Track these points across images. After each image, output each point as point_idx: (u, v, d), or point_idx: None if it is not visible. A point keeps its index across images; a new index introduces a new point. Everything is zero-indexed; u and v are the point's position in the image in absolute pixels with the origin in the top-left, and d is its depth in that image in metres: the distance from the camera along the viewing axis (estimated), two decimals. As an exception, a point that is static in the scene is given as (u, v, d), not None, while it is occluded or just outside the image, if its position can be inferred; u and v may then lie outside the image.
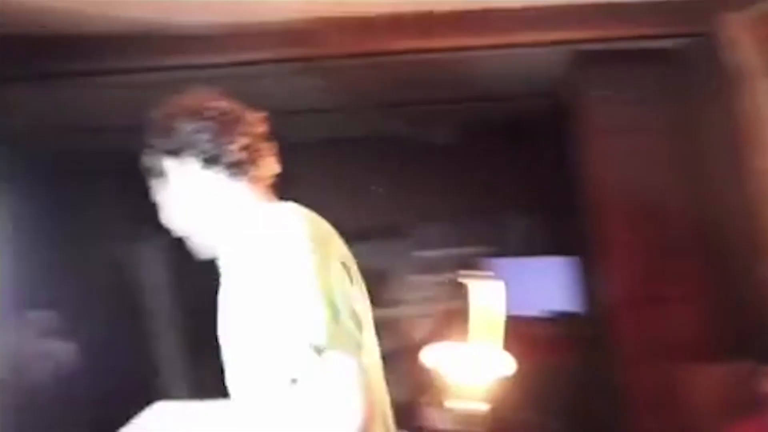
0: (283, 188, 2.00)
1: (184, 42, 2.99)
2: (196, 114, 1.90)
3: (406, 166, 6.38)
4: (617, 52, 3.71)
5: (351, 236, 1.98)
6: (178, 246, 2.06)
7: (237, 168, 1.93)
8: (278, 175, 2.03)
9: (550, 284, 5.51)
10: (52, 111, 4.05)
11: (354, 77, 3.94)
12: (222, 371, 1.76)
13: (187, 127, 1.89)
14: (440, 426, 3.76)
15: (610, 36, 3.35)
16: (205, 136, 1.89)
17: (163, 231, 2.03)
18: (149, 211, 2.04)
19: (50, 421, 4.14)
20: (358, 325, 1.71)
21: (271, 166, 2.04)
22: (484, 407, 2.01)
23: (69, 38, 2.91)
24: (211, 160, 1.90)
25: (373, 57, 3.26)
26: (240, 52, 3.04)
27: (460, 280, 2.02)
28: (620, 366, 3.97)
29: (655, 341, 3.95)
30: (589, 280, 5.20)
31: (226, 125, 1.91)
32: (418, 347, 5.36)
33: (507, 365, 1.96)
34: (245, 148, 1.93)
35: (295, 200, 1.87)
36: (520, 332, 5.11)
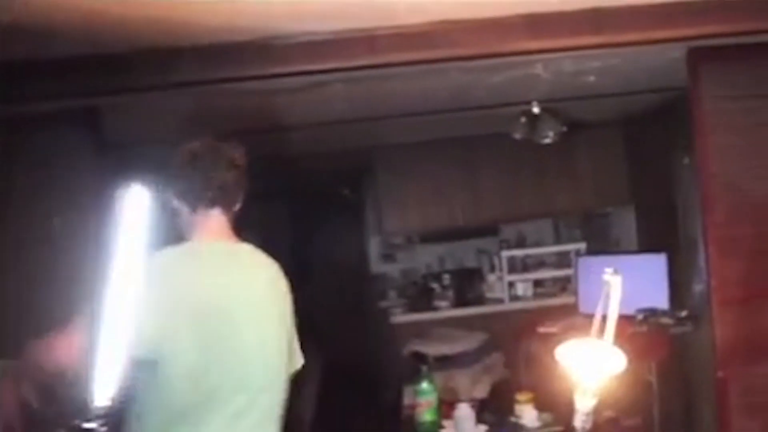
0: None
1: (312, 48, 3.09)
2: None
3: (509, 162, 6.43)
4: (732, 48, 3.68)
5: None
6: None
7: None
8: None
9: (646, 281, 5.45)
10: (171, 118, 4.22)
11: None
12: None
13: None
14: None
15: (725, 31, 3.32)
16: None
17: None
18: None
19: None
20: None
21: None
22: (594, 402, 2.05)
23: (182, 50, 3.06)
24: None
25: (501, 57, 3.35)
26: (371, 56, 3.11)
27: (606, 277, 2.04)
28: (719, 365, 3.92)
29: (755, 340, 3.89)
30: (686, 277, 5.14)
31: None
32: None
33: (620, 361, 2.00)
34: None
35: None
36: (617, 331, 5.16)
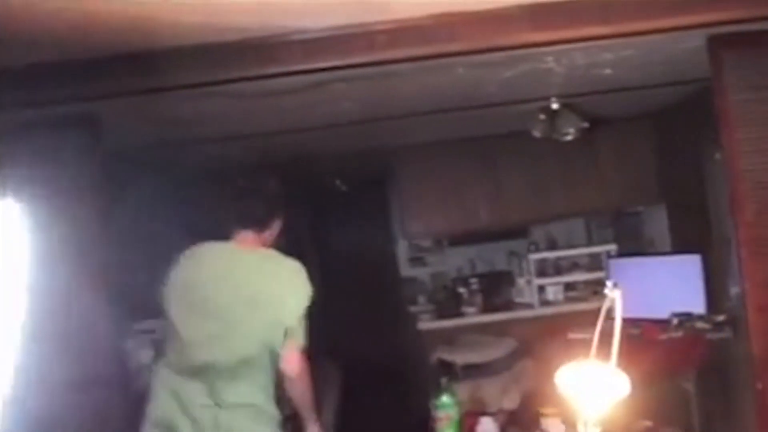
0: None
1: (309, 46, 2.99)
2: None
3: (533, 161, 6.29)
4: (757, 33, 3.45)
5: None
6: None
7: None
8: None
9: (681, 283, 5.23)
10: (165, 123, 4.14)
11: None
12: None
13: None
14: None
15: (747, 16, 3.10)
16: None
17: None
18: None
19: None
20: None
21: None
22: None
23: (174, 51, 2.96)
24: None
25: (504, 51, 3.23)
26: (370, 53, 3.01)
27: (608, 291, 1.83)
28: (758, 375, 3.68)
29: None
30: (722, 278, 4.91)
31: None
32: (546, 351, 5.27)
33: (624, 386, 1.78)
34: None
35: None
36: (647, 336, 4.96)
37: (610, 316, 1.88)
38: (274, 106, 3.99)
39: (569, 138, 4.90)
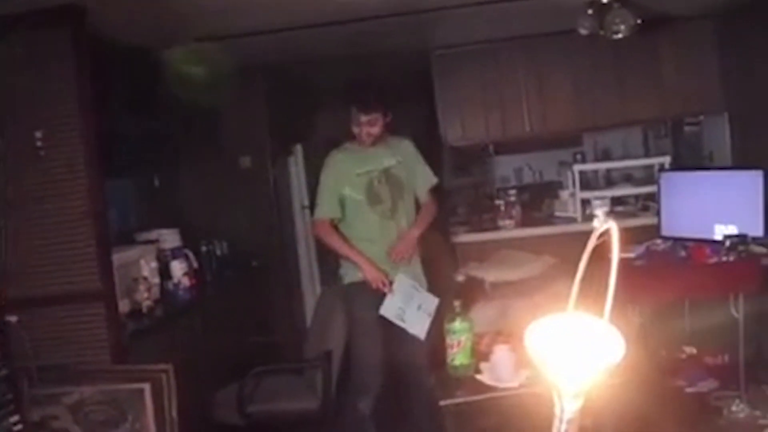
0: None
1: None
2: None
3: (583, 64, 5.88)
4: None
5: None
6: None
7: None
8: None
9: (738, 202, 4.74)
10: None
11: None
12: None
13: None
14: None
15: None
16: None
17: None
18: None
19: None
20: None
21: None
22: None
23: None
24: None
25: None
26: None
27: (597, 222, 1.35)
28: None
29: None
30: None
31: None
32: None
33: (618, 348, 1.33)
34: None
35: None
36: (695, 259, 4.53)
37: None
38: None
39: (620, 36, 4.40)
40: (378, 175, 4.07)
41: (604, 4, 4.31)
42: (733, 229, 4.63)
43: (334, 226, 4.12)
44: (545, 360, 1.39)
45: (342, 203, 4.09)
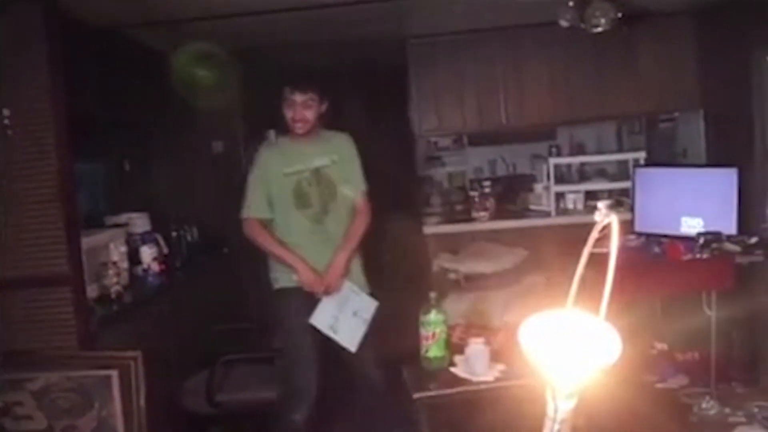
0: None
1: None
2: None
3: (561, 58, 5.86)
4: None
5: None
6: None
7: None
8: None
9: (712, 200, 4.77)
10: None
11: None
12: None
13: None
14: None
15: None
16: None
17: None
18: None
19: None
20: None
21: None
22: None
23: None
24: None
25: None
26: None
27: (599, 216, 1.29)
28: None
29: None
30: (759, 197, 4.61)
31: None
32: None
33: (615, 347, 1.27)
34: None
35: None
36: (669, 256, 4.54)
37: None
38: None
39: (600, 29, 4.38)
40: (308, 176, 3.78)
41: (584, -3, 4.28)
42: (706, 227, 4.66)
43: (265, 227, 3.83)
44: (540, 357, 1.34)
45: (270, 203, 3.81)
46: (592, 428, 2.08)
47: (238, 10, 4.47)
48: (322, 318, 3.73)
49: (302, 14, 4.68)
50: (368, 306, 3.86)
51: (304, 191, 3.78)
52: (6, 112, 3.38)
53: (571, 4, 4.33)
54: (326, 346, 3.76)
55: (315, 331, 3.72)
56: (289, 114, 3.71)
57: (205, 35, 5.05)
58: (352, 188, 3.90)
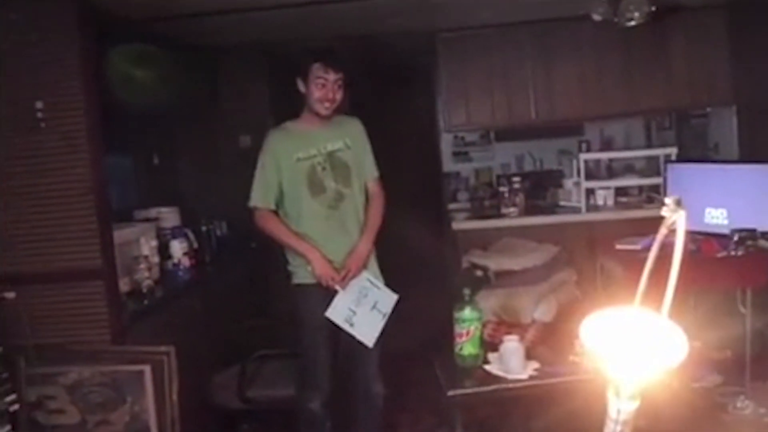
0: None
1: None
2: None
3: (591, 52, 5.80)
4: None
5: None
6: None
7: None
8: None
9: (746, 196, 4.69)
10: None
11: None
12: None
13: None
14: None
15: None
16: None
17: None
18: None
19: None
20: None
21: None
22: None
23: None
24: None
25: None
26: None
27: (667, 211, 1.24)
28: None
29: None
30: None
31: None
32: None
33: (681, 347, 1.23)
34: None
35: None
36: (704, 252, 4.47)
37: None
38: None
39: (633, 23, 4.34)
40: (321, 161, 3.60)
41: (619, -10, 4.23)
42: (731, 219, 4.59)
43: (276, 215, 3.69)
44: (605, 356, 1.31)
45: (281, 191, 3.63)
46: (653, 430, 2.04)
47: (265, 4, 4.43)
48: (338, 311, 3.59)
49: (328, 8, 4.65)
50: (388, 299, 3.71)
51: (318, 177, 3.59)
52: (39, 104, 3.37)
53: (604, -3, 4.28)
54: (338, 347, 3.67)
55: (331, 329, 3.60)
56: (318, 93, 3.51)
57: (231, 29, 5.04)
58: (367, 173, 3.76)
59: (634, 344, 1.27)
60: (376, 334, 3.64)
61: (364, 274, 3.67)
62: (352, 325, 3.60)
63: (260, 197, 3.65)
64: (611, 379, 1.31)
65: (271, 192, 3.63)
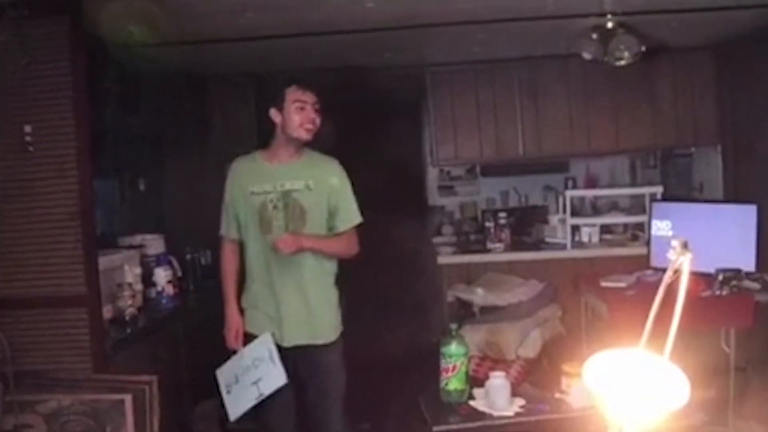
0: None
1: None
2: None
3: (579, 89, 5.87)
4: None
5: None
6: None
7: None
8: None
9: (731, 236, 4.72)
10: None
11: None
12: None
13: None
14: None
15: None
16: None
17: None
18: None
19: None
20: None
21: None
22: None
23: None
24: None
25: None
26: None
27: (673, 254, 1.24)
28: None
29: None
30: None
31: None
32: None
33: (683, 390, 1.23)
34: None
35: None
36: (688, 292, 4.48)
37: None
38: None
39: (623, 63, 4.37)
40: (274, 198, 3.34)
41: (609, 30, 4.26)
42: (726, 263, 4.61)
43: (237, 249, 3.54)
44: (607, 397, 1.30)
45: (238, 223, 3.48)
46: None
47: (253, 34, 4.45)
48: (225, 374, 3.48)
49: (318, 39, 4.65)
50: (275, 380, 3.31)
51: (268, 214, 3.36)
52: (28, 128, 3.34)
53: (594, 36, 4.31)
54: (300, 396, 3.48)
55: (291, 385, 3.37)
56: (297, 117, 3.30)
57: (222, 57, 5.04)
58: (343, 219, 3.46)
59: (637, 387, 1.27)
60: (242, 410, 3.38)
61: (267, 346, 3.38)
62: (229, 392, 3.44)
63: (224, 226, 3.57)
64: (613, 421, 1.30)
65: (232, 222, 3.51)
